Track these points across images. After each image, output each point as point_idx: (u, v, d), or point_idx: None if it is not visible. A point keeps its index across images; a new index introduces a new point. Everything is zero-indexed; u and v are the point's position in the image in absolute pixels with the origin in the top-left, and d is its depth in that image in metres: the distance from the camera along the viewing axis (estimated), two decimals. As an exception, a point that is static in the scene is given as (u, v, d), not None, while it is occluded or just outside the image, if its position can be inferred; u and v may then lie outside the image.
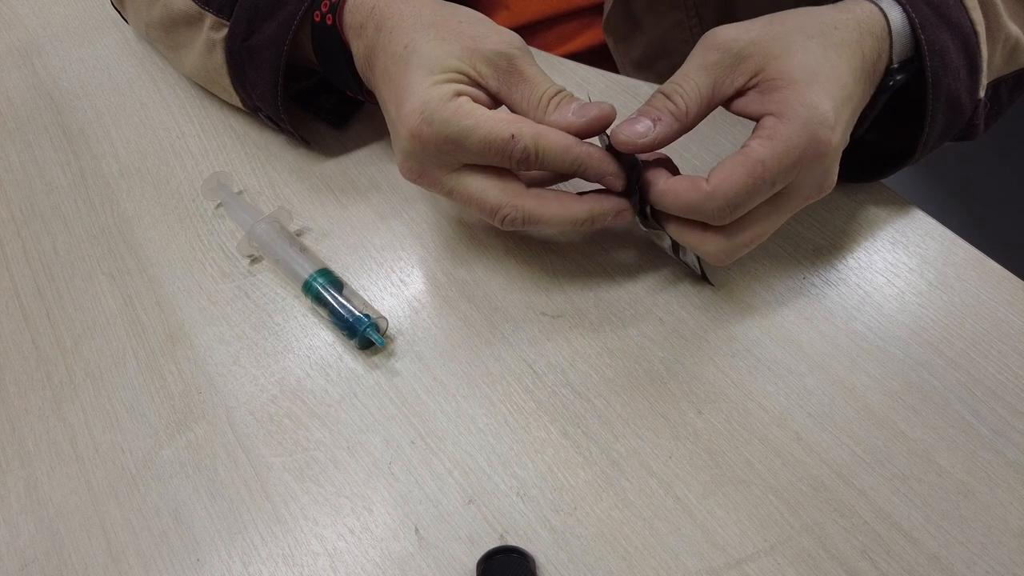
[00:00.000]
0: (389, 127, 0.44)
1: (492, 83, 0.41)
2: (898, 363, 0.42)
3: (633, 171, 0.41)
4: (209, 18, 0.50)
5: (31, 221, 0.53)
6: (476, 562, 0.37)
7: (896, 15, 0.40)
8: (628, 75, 0.60)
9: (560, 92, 0.41)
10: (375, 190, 0.52)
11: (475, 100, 0.40)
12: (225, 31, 0.49)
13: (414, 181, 0.43)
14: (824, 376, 0.42)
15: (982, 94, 0.42)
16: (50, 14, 0.68)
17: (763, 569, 0.36)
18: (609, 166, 0.40)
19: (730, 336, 0.43)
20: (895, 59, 0.40)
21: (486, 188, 0.41)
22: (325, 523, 0.39)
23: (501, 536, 0.38)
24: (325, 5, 0.46)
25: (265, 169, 0.54)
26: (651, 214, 0.42)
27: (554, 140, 0.39)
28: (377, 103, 0.47)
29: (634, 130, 0.39)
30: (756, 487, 0.38)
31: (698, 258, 0.44)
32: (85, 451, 0.43)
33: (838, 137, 0.38)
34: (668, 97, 0.39)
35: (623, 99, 0.54)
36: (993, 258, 0.45)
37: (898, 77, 0.40)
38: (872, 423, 0.40)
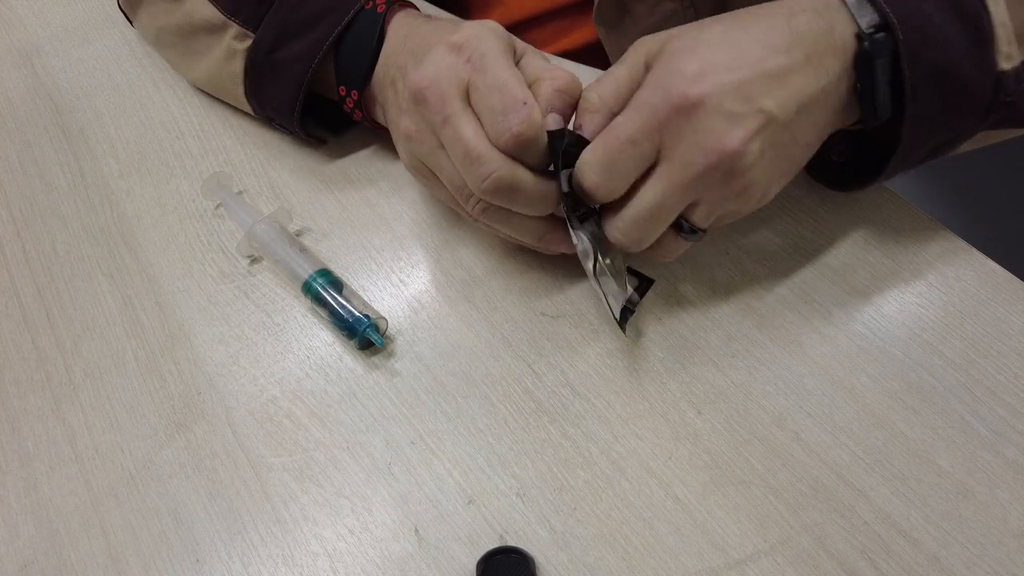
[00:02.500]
0: (413, 57, 0.42)
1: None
2: (898, 363, 0.42)
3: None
4: (234, 28, 0.51)
5: (31, 221, 0.53)
6: (476, 562, 0.37)
7: (860, 7, 0.37)
8: None
9: (538, 77, 0.40)
10: (375, 190, 0.52)
11: None
12: (249, 42, 0.50)
13: (421, 89, 0.39)
14: (824, 376, 0.42)
15: (1005, 66, 0.36)
16: (50, 15, 0.68)
17: (763, 569, 0.36)
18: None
19: (730, 336, 0.43)
20: (863, 25, 0.36)
21: (481, 135, 0.38)
22: (325, 523, 0.39)
23: (501, 536, 0.38)
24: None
25: (265, 169, 0.54)
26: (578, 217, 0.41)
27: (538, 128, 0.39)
28: (369, 120, 0.49)
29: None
30: (756, 487, 0.38)
31: (613, 304, 0.42)
32: (85, 451, 0.43)
33: (707, 88, 0.35)
34: (588, 98, 0.40)
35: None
36: (993, 258, 0.45)
37: (877, 36, 0.36)
38: (872, 423, 0.40)
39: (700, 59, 0.36)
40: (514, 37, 0.43)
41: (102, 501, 0.41)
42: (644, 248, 0.40)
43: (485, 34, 0.39)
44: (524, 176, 0.39)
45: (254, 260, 0.50)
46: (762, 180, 0.38)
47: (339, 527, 0.39)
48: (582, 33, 0.65)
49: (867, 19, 0.37)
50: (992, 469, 0.38)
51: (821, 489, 0.38)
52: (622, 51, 0.62)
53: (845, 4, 0.37)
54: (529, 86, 0.39)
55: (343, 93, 0.49)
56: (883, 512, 0.37)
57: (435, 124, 0.39)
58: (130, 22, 0.63)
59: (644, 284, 0.45)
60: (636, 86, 0.39)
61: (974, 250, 0.45)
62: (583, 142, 0.39)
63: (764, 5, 0.39)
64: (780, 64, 0.36)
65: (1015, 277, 0.44)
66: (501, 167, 0.38)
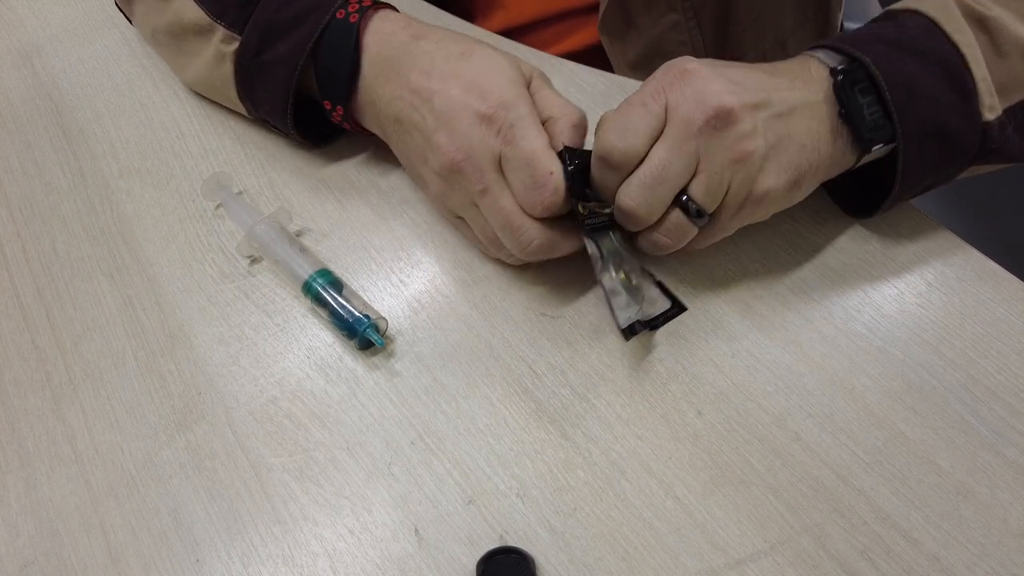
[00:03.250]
0: (433, 113, 0.43)
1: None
2: (897, 363, 0.42)
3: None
4: (220, 31, 0.50)
5: (31, 221, 0.53)
6: (476, 563, 0.37)
7: (823, 55, 0.42)
8: (624, 74, 0.60)
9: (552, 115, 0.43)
10: (375, 191, 0.52)
11: None
12: (236, 45, 0.50)
13: (457, 162, 0.42)
14: (824, 376, 0.42)
15: (989, 116, 0.40)
16: (50, 15, 0.68)
17: (763, 569, 0.36)
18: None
19: (730, 336, 0.43)
20: (835, 64, 0.41)
21: (516, 206, 0.41)
22: (325, 524, 0.39)
23: (501, 537, 0.38)
24: (353, 6, 0.47)
25: (265, 170, 0.54)
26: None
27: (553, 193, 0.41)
28: (359, 130, 0.50)
29: None
30: (756, 487, 0.38)
31: (619, 315, 0.42)
32: (85, 452, 0.43)
33: (700, 66, 0.39)
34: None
35: (619, 98, 0.54)
36: (992, 259, 0.45)
37: (842, 68, 0.40)
38: (872, 423, 0.40)
39: (699, 69, 0.40)
40: (521, 60, 0.45)
41: (102, 501, 0.41)
42: (652, 221, 0.40)
43: (510, 99, 0.41)
44: (558, 237, 0.42)
45: (254, 260, 0.50)
46: (759, 153, 0.38)
47: (339, 527, 0.39)
48: (582, 36, 0.65)
49: (836, 60, 0.41)
50: (992, 469, 0.38)
51: (821, 489, 0.38)
52: (626, 60, 0.62)
53: (815, 56, 0.42)
54: (544, 121, 0.42)
55: (328, 107, 0.48)
56: (883, 512, 0.37)
57: (472, 192, 0.42)
58: (129, 20, 0.63)
59: (675, 309, 0.42)
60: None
61: (974, 250, 0.45)
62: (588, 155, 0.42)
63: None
64: (768, 80, 0.40)
65: (1014, 278, 0.44)
66: (539, 236, 0.41)
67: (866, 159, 0.42)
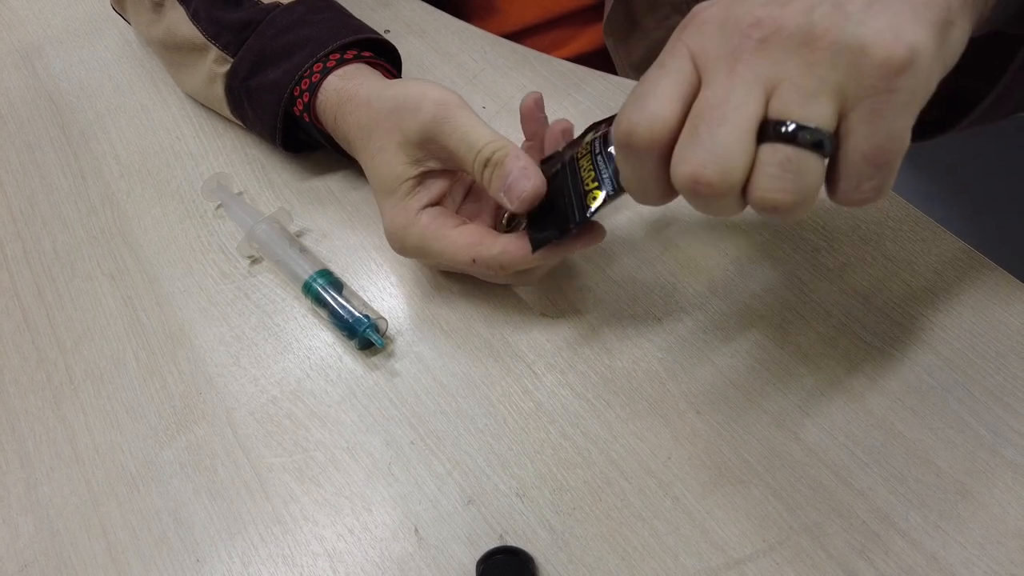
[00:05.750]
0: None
1: (433, 163, 0.42)
2: (896, 363, 0.42)
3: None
4: (214, 51, 0.51)
5: (31, 222, 0.53)
6: (476, 562, 0.37)
7: None
8: (628, 77, 0.60)
9: (488, 159, 0.39)
10: (375, 191, 0.52)
11: (435, 196, 0.43)
12: (228, 67, 0.50)
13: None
14: (822, 376, 0.42)
15: None
16: (50, 15, 0.68)
17: (762, 569, 0.36)
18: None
19: (728, 336, 0.43)
20: None
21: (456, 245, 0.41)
22: (325, 523, 0.39)
23: (501, 536, 0.38)
24: (305, 83, 0.48)
25: (265, 170, 0.54)
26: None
27: (514, 255, 0.40)
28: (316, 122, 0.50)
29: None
30: (755, 487, 0.38)
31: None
32: (85, 452, 0.43)
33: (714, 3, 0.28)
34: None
35: (621, 101, 0.54)
36: (993, 258, 0.45)
37: None
38: (870, 423, 0.40)
39: (715, 4, 0.29)
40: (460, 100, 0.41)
41: (102, 501, 0.41)
42: (733, 180, 0.26)
43: (392, 231, 0.43)
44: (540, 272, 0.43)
45: (254, 261, 0.50)
46: (857, 30, 0.25)
47: (339, 527, 0.39)
48: (581, 41, 0.65)
49: None
50: (991, 469, 0.38)
51: (820, 489, 0.38)
52: (631, 62, 0.63)
53: None
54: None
55: (295, 94, 0.48)
56: (882, 512, 0.37)
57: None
58: (128, 21, 0.63)
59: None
60: None
61: (974, 250, 0.45)
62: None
63: None
64: None
65: (1013, 278, 0.44)
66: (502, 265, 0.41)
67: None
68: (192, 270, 0.50)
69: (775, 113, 0.26)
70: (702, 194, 0.27)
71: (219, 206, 0.52)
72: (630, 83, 0.55)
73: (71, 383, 0.46)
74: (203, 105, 0.58)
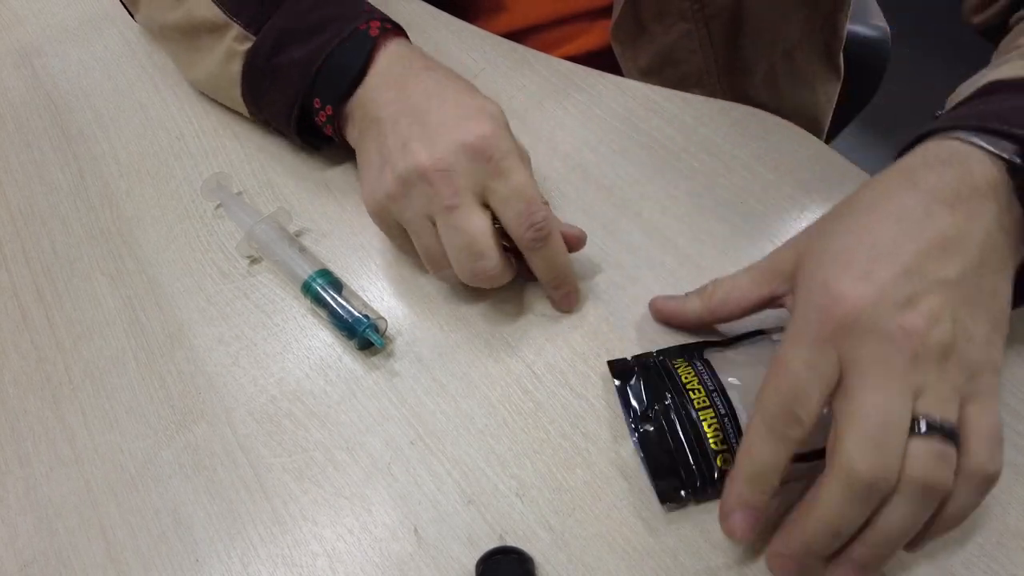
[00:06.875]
0: (421, 126, 0.43)
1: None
2: (897, 364, 0.42)
3: None
4: (235, 29, 0.51)
5: (30, 222, 0.53)
6: (475, 562, 0.37)
7: (984, 143, 0.33)
8: (634, 79, 0.60)
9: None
10: (374, 191, 0.52)
11: None
12: (249, 44, 0.50)
13: (432, 171, 0.41)
14: (823, 377, 0.42)
15: None
16: (50, 15, 0.68)
17: (762, 569, 0.36)
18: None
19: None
20: (1007, 155, 0.33)
21: (488, 233, 0.41)
22: (324, 523, 0.39)
23: (500, 536, 0.38)
24: (376, 24, 0.47)
25: (264, 170, 0.54)
26: None
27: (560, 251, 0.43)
28: (339, 136, 0.49)
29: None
30: (755, 487, 0.38)
31: None
32: (84, 452, 0.43)
33: (862, 293, 0.31)
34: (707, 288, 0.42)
35: (621, 101, 0.54)
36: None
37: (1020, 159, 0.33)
38: (871, 424, 0.40)
39: (844, 269, 0.32)
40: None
41: (101, 501, 0.41)
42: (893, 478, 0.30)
43: (503, 138, 0.42)
44: (507, 269, 0.42)
45: (254, 260, 0.50)
46: (972, 348, 0.32)
47: (339, 527, 0.39)
48: (588, 39, 0.65)
49: (1007, 149, 0.33)
50: (991, 469, 0.38)
51: (820, 489, 0.38)
52: (637, 66, 0.63)
53: (975, 145, 0.34)
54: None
55: (317, 105, 0.48)
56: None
57: (435, 204, 0.41)
58: (131, 15, 0.63)
59: None
60: (764, 291, 0.39)
61: (973, 251, 0.45)
62: None
63: (880, 180, 0.35)
64: (931, 232, 0.32)
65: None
66: (498, 266, 0.41)
67: None
68: (191, 270, 0.49)
69: (926, 409, 0.31)
70: (863, 490, 0.30)
71: (218, 206, 0.52)
72: (630, 84, 0.55)
73: (70, 383, 0.45)
74: (203, 105, 0.58)
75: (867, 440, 0.30)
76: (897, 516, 0.30)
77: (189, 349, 0.46)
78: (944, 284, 0.32)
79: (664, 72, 0.63)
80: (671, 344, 0.43)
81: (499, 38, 0.59)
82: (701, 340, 0.43)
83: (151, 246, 0.51)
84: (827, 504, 0.31)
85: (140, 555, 0.39)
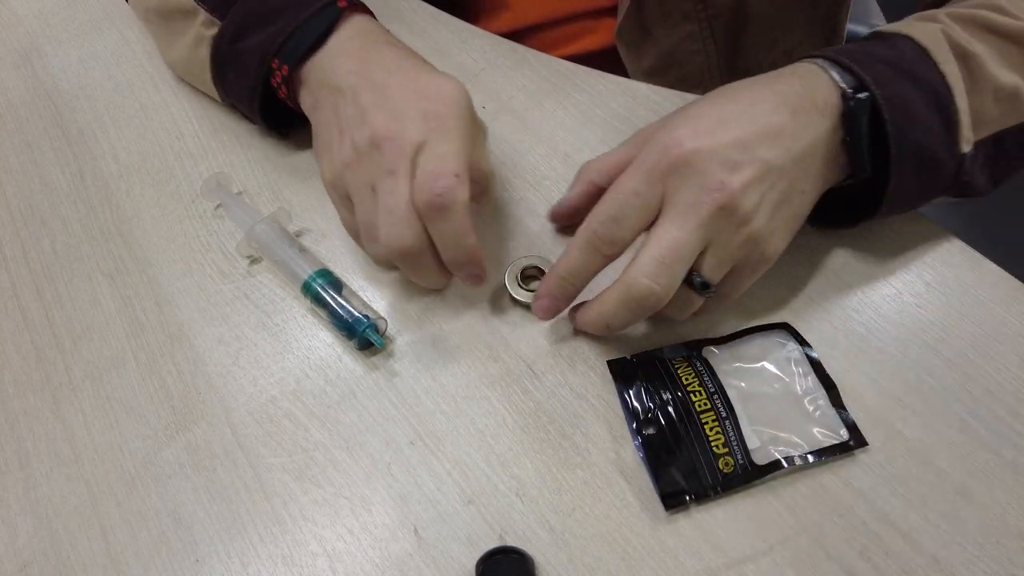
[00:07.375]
0: (381, 98, 0.42)
1: None
2: (896, 364, 0.42)
3: None
4: (202, 14, 0.51)
5: (30, 222, 0.53)
6: (475, 562, 0.37)
7: (835, 73, 0.40)
8: (638, 80, 0.60)
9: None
10: (374, 191, 0.52)
11: None
12: (216, 29, 0.50)
13: (382, 139, 0.41)
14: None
15: (965, 149, 0.40)
16: (50, 15, 0.68)
17: (762, 570, 0.36)
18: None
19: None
20: (846, 86, 0.39)
21: (410, 200, 0.40)
22: (324, 524, 0.39)
23: (500, 536, 0.38)
24: (342, 2, 0.47)
25: (264, 170, 0.54)
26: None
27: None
28: (290, 101, 0.49)
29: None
30: (754, 487, 0.38)
31: None
32: (84, 452, 0.43)
33: (705, 143, 0.37)
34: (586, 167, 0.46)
35: (622, 101, 0.54)
36: (992, 259, 0.45)
37: (860, 95, 0.39)
38: (870, 423, 0.40)
39: (693, 125, 0.39)
40: (474, 113, 0.44)
41: (101, 501, 0.41)
42: (666, 301, 0.38)
43: (458, 110, 0.42)
44: (428, 260, 0.41)
45: (254, 260, 0.50)
46: (766, 227, 0.39)
47: (339, 527, 0.39)
48: (591, 39, 0.65)
49: (848, 82, 0.40)
50: (991, 469, 0.38)
51: (819, 489, 0.38)
52: (641, 67, 0.63)
53: (825, 70, 0.40)
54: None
55: (274, 66, 0.48)
56: (882, 512, 0.37)
57: (378, 172, 0.41)
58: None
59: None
60: (632, 152, 0.42)
61: (972, 251, 0.45)
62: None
63: (751, 79, 0.42)
64: (771, 122, 0.39)
65: (1013, 278, 0.44)
66: (411, 239, 0.40)
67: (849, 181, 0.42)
68: (191, 270, 0.49)
69: (701, 267, 0.38)
70: (640, 304, 0.38)
71: (218, 206, 0.52)
72: (631, 84, 0.55)
73: (70, 383, 0.45)
74: (203, 104, 0.58)
75: (656, 262, 0.37)
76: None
77: (189, 349, 0.46)
78: (767, 165, 0.38)
79: (669, 72, 0.63)
80: (671, 343, 0.43)
81: (499, 38, 0.59)
82: (701, 339, 0.43)
83: (151, 246, 0.51)
84: (606, 302, 0.40)
85: (140, 555, 0.39)
